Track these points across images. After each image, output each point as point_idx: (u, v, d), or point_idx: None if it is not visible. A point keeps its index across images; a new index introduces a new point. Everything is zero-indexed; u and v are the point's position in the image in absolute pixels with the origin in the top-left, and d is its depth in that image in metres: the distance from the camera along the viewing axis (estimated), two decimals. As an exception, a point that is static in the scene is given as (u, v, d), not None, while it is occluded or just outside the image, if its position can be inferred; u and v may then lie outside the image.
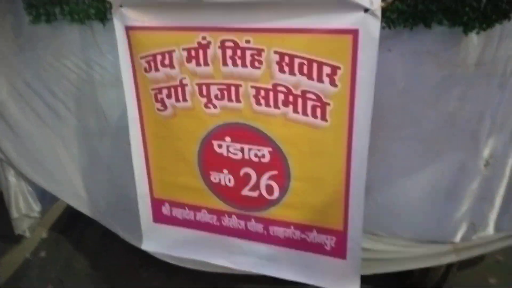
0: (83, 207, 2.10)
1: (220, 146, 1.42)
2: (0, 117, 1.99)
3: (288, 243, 1.48)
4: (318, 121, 1.23)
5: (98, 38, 1.62)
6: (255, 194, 1.43)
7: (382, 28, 1.11)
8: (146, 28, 1.38)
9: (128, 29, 1.40)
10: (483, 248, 1.56)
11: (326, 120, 1.22)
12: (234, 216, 1.52)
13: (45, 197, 2.36)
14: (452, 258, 1.59)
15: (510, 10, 1.02)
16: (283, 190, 1.39)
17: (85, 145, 1.91)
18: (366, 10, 1.07)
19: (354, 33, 1.10)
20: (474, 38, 1.11)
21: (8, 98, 1.93)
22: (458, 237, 1.50)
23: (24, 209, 2.33)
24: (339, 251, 1.41)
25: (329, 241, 1.42)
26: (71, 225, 2.71)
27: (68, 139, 1.92)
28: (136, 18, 1.37)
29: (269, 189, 1.41)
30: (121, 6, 1.38)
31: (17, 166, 2.10)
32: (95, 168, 1.95)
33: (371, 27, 1.08)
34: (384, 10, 1.08)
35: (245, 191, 1.44)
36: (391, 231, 1.53)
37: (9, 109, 1.96)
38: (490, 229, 1.42)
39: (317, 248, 1.44)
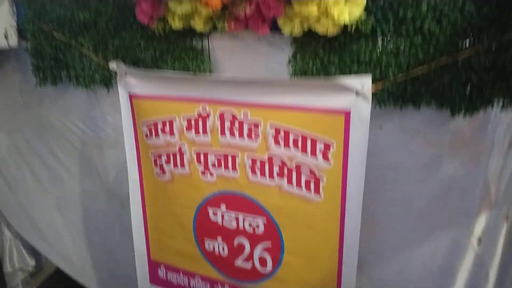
0: (71, 270, 2.07)
1: (215, 213, 1.44)
2: (-1, 173, 2.03)
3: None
4: (312, 196, 1.25)
5: (101, 101, 1.68)
6: (248, 265, 1.43)
7: (373, 107, 1.17)
8: (149, 96, 1.44)
9: (132, 96, 1.47)
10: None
11: (320, 195, 1.24)
12: (227, 286, 1.50)
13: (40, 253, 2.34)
14: None
15: (493, 97, 1.08)
16: (276, 263, 1.38)
17: (78, 207, 1.92)
18: (358, 93, 1.13)
19: (346, 113, 1.15)
20: (461, 120, 1.16)
21: (8, 154, 1.97)
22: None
23: (18, 263, 2.29)
24: None
25: None
26: (63, 282, 2.65)
27: (62, 199, 1.93)
28: (140, 86, 1.44)
29: (262, 261, 1.40)
30: (125, 74, 1.45)
31: (11, 222, 2.09)
32: (86, 230, 1.95)
33: (362, 109, 1.14)
34: (374, 92, 1.14)
35: (239, 262, 1.44)
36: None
37: (8, 164, 1.98)
38: (486, 307, 1.40)
39: None
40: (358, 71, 1.20)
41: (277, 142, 1.28)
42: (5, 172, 2.01)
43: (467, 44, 1.08)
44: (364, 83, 1.11)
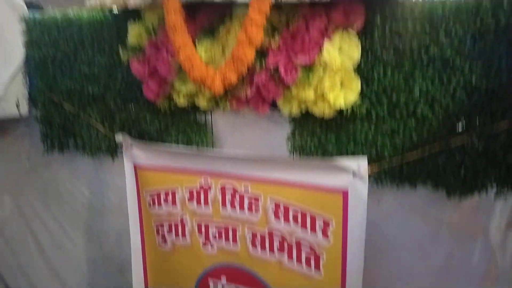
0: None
1: (215, 285, 1.44)
2: (0, 233, 2.03)
3: None
4: (312, 272, 1.26)
5: (106, 168, 1.72)
6: None
7: (371, 184, 1.20)
8: (153, 167, 1.48)
9: (137, 167, 1.51)
10: None
11: (320, 272, 1.24)
12: None
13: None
14: None
15: (487, 183, 1.11)
16: None
17: (77, 271, 1.92)
18: (355, 173, 1.17)
19: (344, 192, 1.18)
20: (457, 201, 1.18)
21: (11, 216, 1.98)
22: None
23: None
24: None
25: None
26: None
27: (61, 263, 1.93)
28: (145, 158, 1.49)
29: None
30: (131, 146, 1.50)
31: (9, 284, 2.07)
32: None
33: (359, 189, 1.17)
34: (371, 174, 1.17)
35: (239, 338, 1.42)
36: None
37: (10, 227, 2.00)
38: None
39: None
40: (355, 150, 1.24)
41: (277, 216, 1.30)
42: (7, 234, 2.02)
43: (460, 129, 1.12)
44: (360, 164, 1.15)
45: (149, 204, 1.52)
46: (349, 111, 1.19)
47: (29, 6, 3.32)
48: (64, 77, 1.61)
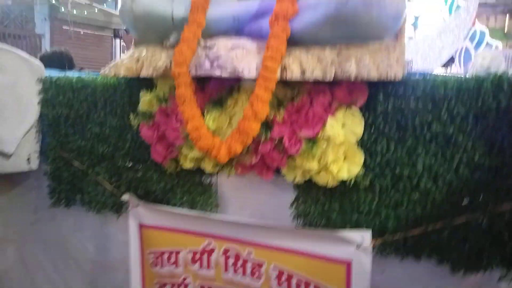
0: None
1: None
2: (1, 284, 2.02)
3: None
4: None
5: (110, 224, 1.72)
6: None
7: (374, 255, 1.19)
8: (157, 227, 1.50)
9: (141, 226, 1.52)
10: None
11: None
12: None
13: None
14: None
15: (492, 264, 1.10)
16: None
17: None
18: (358, 246, 1.17)
19: (348, 264, 1.18)
20: (461, 277, 1.17)
21: (13, 266, 1.97)
22: None
23: None
24: None
25: None
26: None
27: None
28: (150, 218, 1.50)
29: None
30: (137, 205, 1.52)
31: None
32: None
33: (363, 261, 1.17)
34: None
35: None
36: None
37: (11, 277, 1.97)
38: None
39: None
40: (358, 220, 1.24)
41: (280, 284, 1.29)
42: (7, 284, 2.01)
43: (464, 204, 1.12)
44: (364, 237, 1.16)
45: (152, 264, 1.52)
46: (352, 181, 1.21)
47: (59, 55, 3.48)
48: (75, 136, 1.65)
